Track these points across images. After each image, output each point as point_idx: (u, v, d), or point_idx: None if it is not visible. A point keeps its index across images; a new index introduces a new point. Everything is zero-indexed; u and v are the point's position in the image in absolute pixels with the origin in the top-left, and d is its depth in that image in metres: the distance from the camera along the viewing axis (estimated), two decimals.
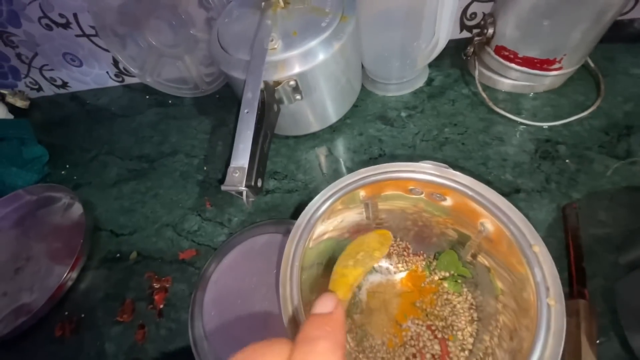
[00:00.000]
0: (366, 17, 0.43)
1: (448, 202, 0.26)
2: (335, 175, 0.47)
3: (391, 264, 0.32)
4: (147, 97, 0.64)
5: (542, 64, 0.43)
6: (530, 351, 0.17)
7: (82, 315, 0.42)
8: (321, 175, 0.47)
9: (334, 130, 0.50)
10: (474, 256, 0.27)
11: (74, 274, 0.45)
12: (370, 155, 0.47)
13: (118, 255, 0.46)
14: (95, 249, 0.47)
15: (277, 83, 0.38)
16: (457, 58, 0.53)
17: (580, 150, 0.41)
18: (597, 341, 0.30)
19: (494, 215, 0.22)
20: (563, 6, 0.37)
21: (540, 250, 0.20)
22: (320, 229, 0.27)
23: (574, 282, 0.32)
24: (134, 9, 0.52)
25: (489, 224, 0.23)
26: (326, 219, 0.27)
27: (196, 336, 0.36)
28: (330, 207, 0.26)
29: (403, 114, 0.50)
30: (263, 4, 0.40)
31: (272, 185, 0.47)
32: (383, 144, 0.48)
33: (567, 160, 0.41)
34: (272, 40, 0.38)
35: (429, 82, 0.52)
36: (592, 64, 0.47)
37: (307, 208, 0.27)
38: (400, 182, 0.26)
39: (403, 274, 0.31)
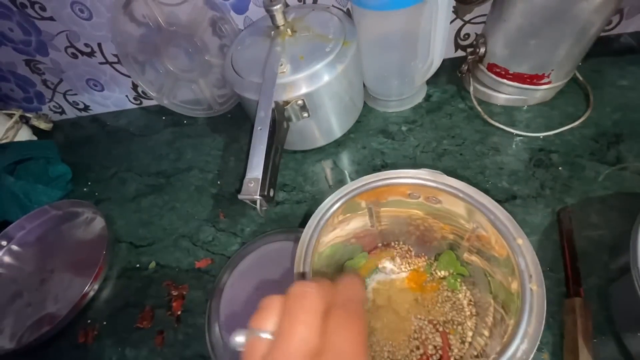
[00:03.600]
0: (366, 41, 0.47)
1: (442, 204, 0.29)
2: (341, 185, 0.49)
3: (394, 266, 0.34)
4: (164, 117, 0.68)
5: (532, 79, 0.46)
6: (516, 329, 0.19)
7: (104, 323, 0.44)
8: (327, 187, 0.50)
9: (339, 144, 0.54)
10: (470, 254, 0.30)
11: (96, 285, 0.47)
12: (373, 166, 0.50)
13: (137, 265, 0.48)
14: (116, 260, 0.50)
15: (287, 103, 0.42)
16: (453, 75, 0.57)
17: (572, 157, 0.44)
18: (595, 339, 0.31)
19: (483, 214, 0.24)
20: (546, 26, 0.41)
21: (523, 243, 0.22)
22: (328, 234, 0.30)
23: (570, 282, 0.34)
24: (154, 39, 0.57)
25: (479, 222, 0.26)
26: (332, 223, 0.29)
27: (213, 340, 0.38)
28: (335, 212, 0.29)
29: (403, 128, 0.53)
30: (272, 32, 0.44)
31: (282, 196, 0.50)
32: (385, 156, 0.51)
33: (560, 168, 0.43)
34: (281, 65, 0.41)
35: (427, 98, 0.56)
36: (580, 78, 0.50)
37: (315, 213, 0.30)
38: (399, 187, 0.28)
39: (405, 274, 0.33)
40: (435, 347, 0.28)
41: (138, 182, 0.59)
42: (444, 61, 0.60)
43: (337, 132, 0.52)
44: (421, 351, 0.28)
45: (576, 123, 0.46)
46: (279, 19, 0.43)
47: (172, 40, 0.57)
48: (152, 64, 0.60)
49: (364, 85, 0.55)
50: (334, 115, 0.49)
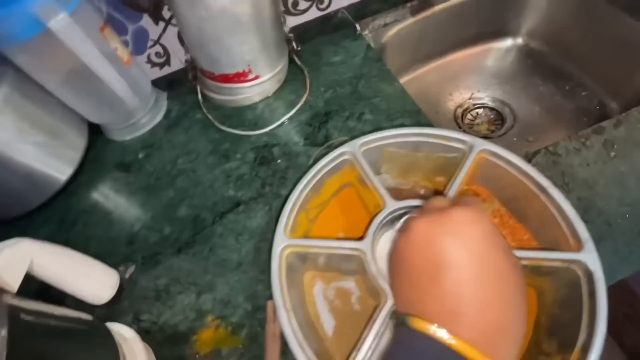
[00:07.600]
0: (46, 75, 0.40)
1: None
2: None
3: None
4: None
5: (239, 77, 0.46)
6: None
7: None
8: None
9: (70, 194, 0.46)
10: None
11: None
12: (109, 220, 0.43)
13: None
14: None
15: None
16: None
17: (290, 147, 0.45)
18: None
19: None
20: (208, 30, 0.39)
21: None
22: None
23: None
24: None
25: None
26: None
27: None
28: None
29: (140, 155, 0.48)
30: None
31: None
32: (119, 195, 0.45)
33: (279, 161, 0.44)
34: None
35: (168, 113, 0.51)
36: (298, 62, 0.52)
37: None
38: None
39: None
40: None
41: None
42: (183, 70, 0.57)
43: (53, 182, 0.44)
44: None
45: (293, 111, 0.47)
46: None
47: None
48: None
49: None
50: (33, 164, 0.40)
